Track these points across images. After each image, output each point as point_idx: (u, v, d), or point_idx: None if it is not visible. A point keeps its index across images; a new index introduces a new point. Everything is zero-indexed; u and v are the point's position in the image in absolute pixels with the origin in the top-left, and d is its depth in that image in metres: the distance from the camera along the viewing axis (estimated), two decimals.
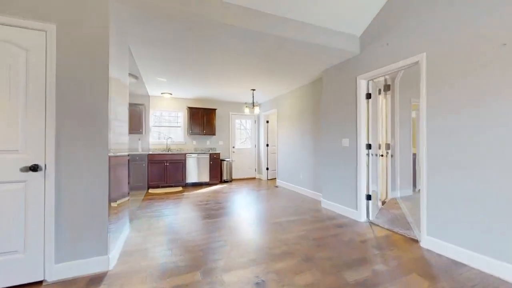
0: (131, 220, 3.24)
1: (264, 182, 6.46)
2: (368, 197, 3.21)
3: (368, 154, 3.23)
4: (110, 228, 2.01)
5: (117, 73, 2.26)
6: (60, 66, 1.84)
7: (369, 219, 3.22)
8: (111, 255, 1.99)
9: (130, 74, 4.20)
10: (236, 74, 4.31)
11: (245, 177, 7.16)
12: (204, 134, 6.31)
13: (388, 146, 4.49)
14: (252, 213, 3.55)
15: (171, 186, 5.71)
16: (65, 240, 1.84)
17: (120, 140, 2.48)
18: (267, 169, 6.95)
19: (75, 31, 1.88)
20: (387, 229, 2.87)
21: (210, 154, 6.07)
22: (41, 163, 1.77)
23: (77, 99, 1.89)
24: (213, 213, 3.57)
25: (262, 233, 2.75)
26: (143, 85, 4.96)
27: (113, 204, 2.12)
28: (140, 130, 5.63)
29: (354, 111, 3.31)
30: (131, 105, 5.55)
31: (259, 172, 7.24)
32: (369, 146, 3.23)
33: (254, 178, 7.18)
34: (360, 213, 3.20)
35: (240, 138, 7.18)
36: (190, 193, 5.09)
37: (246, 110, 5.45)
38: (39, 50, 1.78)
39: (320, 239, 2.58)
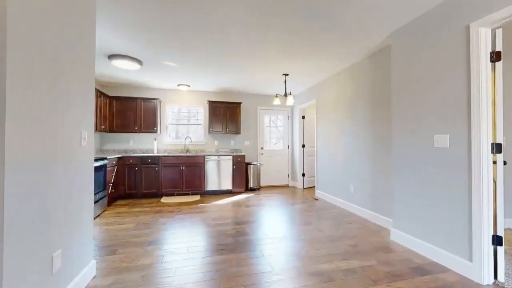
0: (108, 253, 2.34)
1: (300, 192, 5.19)
2: (497, 240, 1.76)
3: (495, 162, 1.79)
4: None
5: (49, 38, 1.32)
6: None
7: (497, 280, 1.77)
8: None
9: (130, 58, 3.39)
10: (263, 53, 3.19)
11: (276, 184, 5.98)
12: (227, 133, 5.33)
13: (498, 148, 2.86)
14: (282, 248, 2.37)
15: (188, 194, 4.85)
16: None
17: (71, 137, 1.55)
18: (303, 175, 5.66)
19: None
20: None
21: (234, 156, 5.05)
22: None
23: None
24: (227, 243, 2.49)
25: None
26: (152, 74, 4.17)
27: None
28: (155, 129, 4.89)
29: (462, 86, 1.89)
30: (143, 101, 4.84)
31: (293, 178, 5.99)
32: (497, 148, 1.79)
33: (287, 186, 5.96)
34: (479, 268, 1.77)
35: (270, 138, 6.04)
36: (208, 204, 4.13)
37: (276, 101, 4.29)
38: None
39: None
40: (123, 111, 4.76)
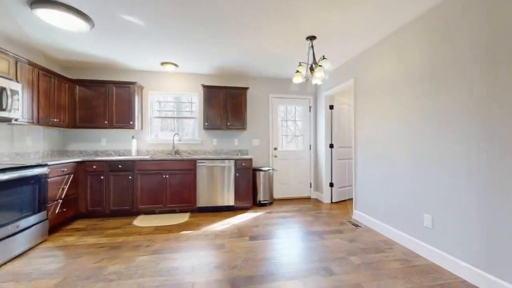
0: None
1: (327, 209, 3.74)
2: None
3: None
4: None
5: None
6: None
7: None
8: None
9: (65, 6, 2.12)
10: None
11: (294, 196, 4.56)
12: (229, 129, 3.98)
13: None
14: None
15: (173, 212, 3.56)
16: None
17: None
18: (331, 185, 4.20)
19: None
20: None
21: (237, 160, 3.69)
22: None
23: None
24: None
25: None
26: (118, 43, 2.89)
27: None
28: (131, 123, 3.65)
29: None
30: (116, 85, 3.61)
31: (318, 189, 4.54)
32: None
33: (308, 199, 4.51)
34: None
35: (286, 135, 4.63)
36: (196, 232, 2.81)
37: (298, 78, 2.82)
38: None
39: None
40: (88, 100, 3.55)
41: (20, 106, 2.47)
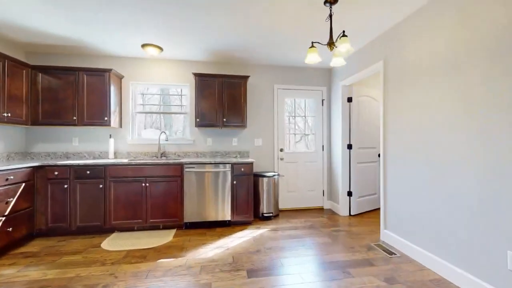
0: None
1: (345, 225, 3.01)
2: None
3: None
4: None
5: None
6: None
7: None
8: None
9: None
10: None
11: (304, 206, 3.83)
12: (226, 126, 3.29)
13: None
14: None
15: (156, 229, 2.89)
16: None
17: None
18: (350, 194, 3.46)
19: None
20: None
21: (234, 165, 3.00)
22: None
23: None
24: None
25: None
26: (79, 13, 2.23)
27: None
28: (106, 119, 2.99)
29: None
30: (87, 73, 2.97)
31: (332, 198, 3.80)
32: None
33: (321, 210, 3.78)
34: None
35: (294, 133, 3.91)
36: (176, 261, 2.12)
37: (312, 58, 2.07)
38: None
39: None
40: (54, 91, 2.92)
41: None
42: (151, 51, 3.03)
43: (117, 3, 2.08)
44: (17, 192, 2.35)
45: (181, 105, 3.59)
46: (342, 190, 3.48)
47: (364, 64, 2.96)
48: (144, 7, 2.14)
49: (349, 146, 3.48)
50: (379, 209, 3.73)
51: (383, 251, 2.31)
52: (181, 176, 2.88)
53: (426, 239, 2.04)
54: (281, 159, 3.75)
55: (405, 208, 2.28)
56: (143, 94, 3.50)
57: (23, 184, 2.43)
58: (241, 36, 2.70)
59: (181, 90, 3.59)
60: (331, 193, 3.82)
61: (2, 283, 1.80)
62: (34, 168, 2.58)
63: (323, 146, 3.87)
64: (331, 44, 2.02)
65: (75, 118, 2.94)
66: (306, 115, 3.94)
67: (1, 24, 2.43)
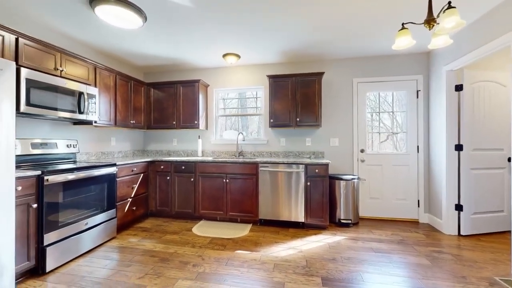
0: None
1: (452, 246, 2.36)
2: None
3: None
4: None
5: None
6: None
7: None
8: None
9: (119, 1, 2.00)
10: None
11: (391, 217, 3.29)
12: (299, 126, 3.23)
13: None
14: None
15: (234, 221, 3.15)
16: None
17: None
18: (459, 208, 2.72)
19: None
20: None
21: (308, 165, 2.90)
22: None
23: None
24: None
25: None
26: (171, 37, 2.70)
27: None
28: (196, 123, 3.51)
29: None
30: (182, 85, 3.56)
31: (431, 210, 3.10)
32: None
33: (415, 223, 3.14)
34: None
35: (378, 132, 3.42)
36: (251, 255, 2.24)
37: (403, 42, 1.72)
38: None
39: None
40: (160, 102, 3.66)
41: (96, 109, 2.63)
42: (231, 59, 3.33)
43: (204, 22, 2.39)
44: (138, 180, 3.09)
45: (256, 107, 3.79)
46: (447, 202, 2.77)
47: (482, 39, 2.25)
48: (228, 21, 2.37)
49: (458, 147, 2.73)
50: (508, 232, 2.76)
51: None
52: (256, 175, 3.03)
53: None
54: (362, 161, 3.36)
55: None
56: (224, 99, 3.90)
57: (142, 175, 3.16)
58: (314, 32, 2.58)
59: (256, 93, 3.79)
60: (430, 205, 3.11)
61: (131, 247, 2.39)
62: (148, 162, 3.31)
63: (418, 146, 3.20)
64: (430, 21, 1.64)
65: (174, 122, 3.59)
66: (394, 110, 3.37)
67: (128, 53, 3.25)
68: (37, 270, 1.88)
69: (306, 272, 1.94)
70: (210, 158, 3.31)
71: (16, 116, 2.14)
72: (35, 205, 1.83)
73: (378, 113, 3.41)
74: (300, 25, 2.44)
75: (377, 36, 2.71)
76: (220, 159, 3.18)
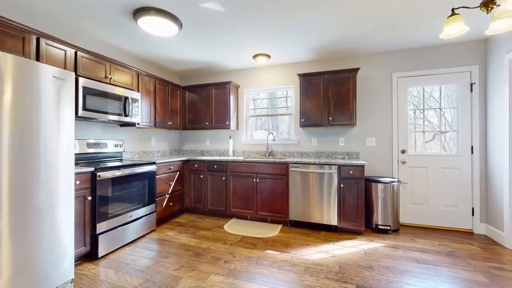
0: None
1: None
2: None
3: None
4: None
5: None
6: None
7: None
8: None
9: (159, 12, 2.17)
10: None
11: (437, 225, 2.95)
12: (332, 125, 3.10)
13: None
14: None
15: (265, 221, 3.16)
16: None
17: None
18: None
19: None
20: None
21: (341, 166, 2.77)
22: None
23: None
24: None
25: None
26: (203, 42, 2.82)
27: None
28: (227, 123, 3.61)
29: None
30: (214, 87, 3.69)
31: (489, 220, 2.71)
32: None
33: (469, 234, 2.77)
34: None
35: (422, 131, 3.10)
36: (281, 256, 2.23)
37: (453, 29, 1.54)
38: None
39: None
40: (194, 103, 3.85)
41: (139, 112, 2.88)
42: (261, 60, 3.35)
43: (235, 25, 2.44)
44: (174, 178, 3.29)
45: (286, 107, 3.74)
46: (510, 212, 2.39)
47: None
48: (258, 21, 2.39)
49: None
50: None
51: None
52: (286, 175, 2.99)
53: None
54: (403, 162, 3.08)
55: None
56: (254, 100, 3.94)
57: (178, 173, 3.36)
58: (347, 26, 2.44)
59: (287, 92, 3.74)
60: (488, 214, 2.71)
61: (168, 240, 2.57)
62: (183, 161, 3.51)
63: (472, 147, 2.82)
64: (488, 3, 1.44)
65: (207, 123, 3.75)
66: (442, 106, 3.02)
67: (165, 60, 3.48)
68: (91, 255, 2.13)
69: (339, 278, 1.85)
70: (240, 158, 3.38)
71: (75, 119, 2.46)
72: (89, 198, 2.08)
73: (422, 110, 3.09)
74: (332, 19, 2.34)
75: (419, 27, 2.46)
76: (250, 159, 3.22)
